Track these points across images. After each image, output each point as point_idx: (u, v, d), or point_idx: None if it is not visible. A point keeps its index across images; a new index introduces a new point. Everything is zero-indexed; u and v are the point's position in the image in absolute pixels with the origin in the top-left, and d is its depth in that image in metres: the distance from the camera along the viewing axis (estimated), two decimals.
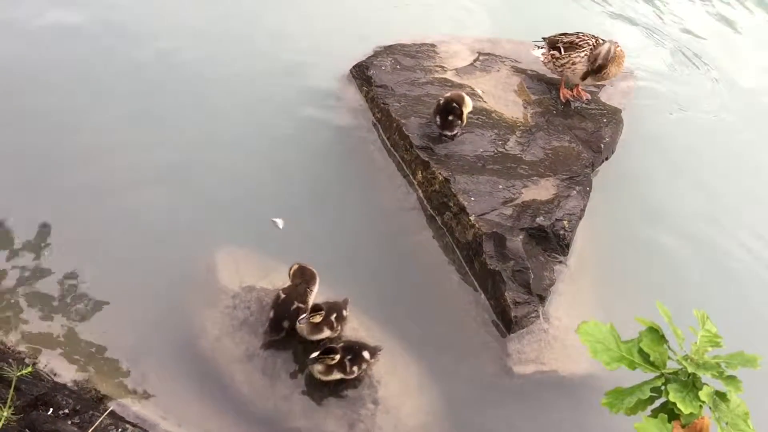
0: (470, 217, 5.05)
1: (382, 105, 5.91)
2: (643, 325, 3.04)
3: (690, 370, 2.86)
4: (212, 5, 6.93)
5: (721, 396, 2.90)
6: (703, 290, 5.13)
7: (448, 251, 5.16)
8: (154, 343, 4.41)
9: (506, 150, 5.59)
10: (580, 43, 5.91)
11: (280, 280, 4.63)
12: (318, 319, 4.25)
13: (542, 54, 6.15)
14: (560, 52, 5.97)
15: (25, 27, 6.31)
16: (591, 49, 5.85)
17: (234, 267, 4.79)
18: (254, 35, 6.60)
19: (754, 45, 7.75)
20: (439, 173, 5.33)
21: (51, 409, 3.64)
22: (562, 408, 4.45)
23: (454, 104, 5.47)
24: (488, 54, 6.59)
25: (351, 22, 6.91)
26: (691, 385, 2.87)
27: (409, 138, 5.59)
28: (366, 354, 4.26)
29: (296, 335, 4.37)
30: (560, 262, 5.01)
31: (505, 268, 4.81)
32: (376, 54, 6.33)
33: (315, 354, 4.15)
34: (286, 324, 4.36)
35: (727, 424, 2.83)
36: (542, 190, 5.30)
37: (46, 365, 4.13)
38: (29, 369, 3.38)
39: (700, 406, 2.81)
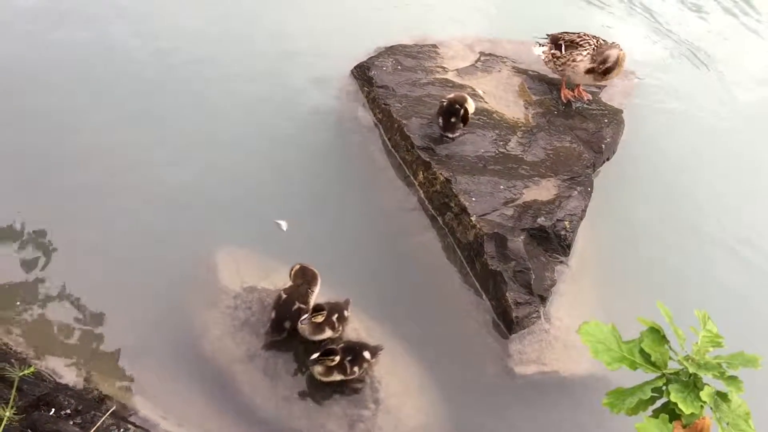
0: (471, 218, 5.05)
1: (383, 105, 5.91)
2: (645, 325, 3.03)
3: (691, 370, 2.85)
4: (212, 5, 6.93)
5: (723, 396, 2.90)
6: (703, 290, 5.14)
7: (449, 252, 5.16)
8: (155, 343, 4.41)
9: (507, 150, 5.60)
10: (581, 43, 5.91)
11: (281, 280, 4.63)
12: (320, 319, 4.25)
13: (543, 52, 6.15)
14: (561, 51, 5.97)
15: (26, 27, 6.30)
16: (593, 49, 5.85)
17: (235, 267, 4.79)
18: (254, 35, 6.60)
19: (755, 45, 7.75)
20: (441, 174, 5.34)
21: (53, 410, 3.64)
22: (563, 408, 4.45)
23: (457, 106, 5.48)
24: (489, 54, 6.59)
25: (351, 23, 6.91)
26: (692, 385, 2.87)
27: (411, 138, 5.59)
28: (367, 354, 4.26)
29: (298, 336, 4.37)
30: (561, 262, 5.01)
31: (506, 269, 4.81)
32: (378, 54, 6.34)
33: (315, 355, 4.15)
34: (287, 324, 4.37)
35: (728, 424, 2.83)
36: (543, 190, 5.31)
37: (47, 366, 4.14)
38: (31, 369, 3.37)
39: (702, 407, 2.81)
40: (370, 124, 5.98)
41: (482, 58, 6.53)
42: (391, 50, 6.41)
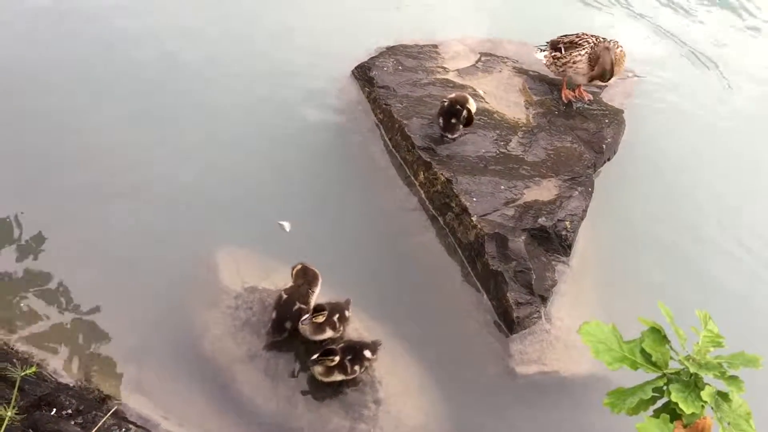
0: (472, 218, 5.05)
1: (384, 106, 5.91)
2: (646, 325, 3.03)
3: (692, 370, 2.86)
4: (212, 5, 6.93)
5: (723, 396, 2.90)
6: (704, 290, 5.13)
7: (450, 252, 5.16)
8: (155, 343, 4.41)
9: (508, 151, 5.60)
10: (580, 42, 5.93)
11: (281, 280, 4.63)
12: (321, 319, 4.25)
13: (544, 56, 6.16)
14: (561, 52, 5.98)
15: (26, 27, 6.30)
16: (592, 47, 5.85)
17: (235, 267, 4.79)
18: (254, 35, 6.60)
19: (757, 45, 7.75)
20: (441, 174, 5.34)
21: (54, 410, 3.64)
22: (563, 408, 4.45)
23: (458, 106, 5.48)
24: (490, 55, 6.59)
25: (352, 23, 6.91)
26: (693, 385, 2.87)
27: (411, 139, 5.60)
28: (367, 352, 4.26)
29: (299, 336, 4.37)
30: (562, 262, 5.01)
31: (507, 269, 4.81)
32: (378, 55, 6.34)
33: (314, 356, 4.15)
34: (288, 324, 4.37)
35: (729, 424, 2.83)
36: (544, 190, 5.31)
37: (49, 366, 4.14)
38: (33, 369, 3.38)
39: (702, 406, 2.81)
40: (371, 124, 5.98)
41: (483, 59, 6.53)
42: (391, 50, 6.41)
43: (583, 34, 6.02)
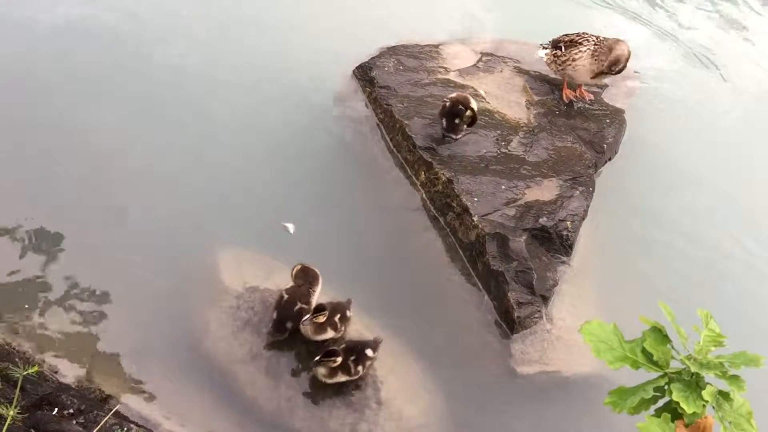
0: (473, 218, 5.05)
1: (385, 106, 5.92)
2: (647, 324, 3.03)
3: (693, 369, 2.85)
4: (213, 6, 6.93)
5: (725, 395, 2.90)
6: (704, 290, 5.13)
7: (451, 252, 5.16)
8: (157, 343, 4.41)
9: (509, 151, 5.60)
10: (580, 41, 5.92)
11: (283, 280, 4.63)
12: (322, 319, 4.25)
13: (545, 54, 6.15)
14: (561, 50, 5.98)
15: (26, 27, 6.31)
16: (595, 44, 5.84)
17: (236, 267, 4.79)
18: (255, 36, 6.60)
19: (759, 46, 7.74)
20: (442, 174, 5.34)
21: (56, 409, 3.65)
22: (565, 408, 4.45)
23: (461, 107, 5.47)
24: (491, 55, 6.60)
25: (352, 23, 6.91)
26: (694, 384, 2.87)
27: (412, 139, 5.60)
28: (369, 351, 4.26)
29: (300, 336, 4.37)
30: (563, 262, 5.02)
31: (508, 269, 4.81)
32: (379, 55, 6.34)
33: (317, 357, 4.15)
34: (289, 325, 4.37)
35: (730, 423, 2.83)
36: (545, 190, 5.31)
37: (50, 365, 4.14)
38: (35, 368, 3.39)
39: (704, 406, 2.81)
40: (372, 124, 5.98)
41: (484, 59, 6.53)
42: (392, 50, 6.41)
43: (584, 33, 6.02)
